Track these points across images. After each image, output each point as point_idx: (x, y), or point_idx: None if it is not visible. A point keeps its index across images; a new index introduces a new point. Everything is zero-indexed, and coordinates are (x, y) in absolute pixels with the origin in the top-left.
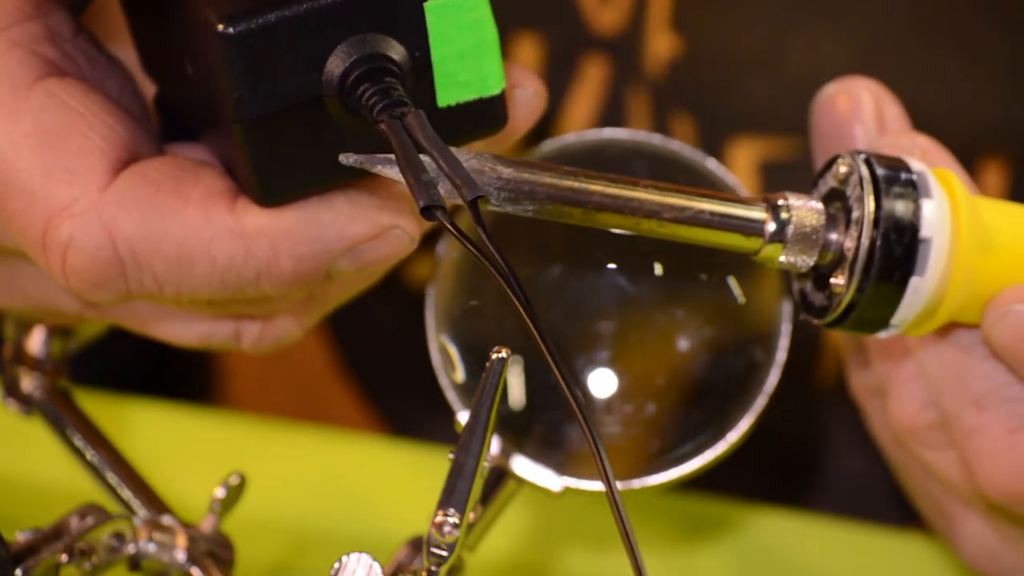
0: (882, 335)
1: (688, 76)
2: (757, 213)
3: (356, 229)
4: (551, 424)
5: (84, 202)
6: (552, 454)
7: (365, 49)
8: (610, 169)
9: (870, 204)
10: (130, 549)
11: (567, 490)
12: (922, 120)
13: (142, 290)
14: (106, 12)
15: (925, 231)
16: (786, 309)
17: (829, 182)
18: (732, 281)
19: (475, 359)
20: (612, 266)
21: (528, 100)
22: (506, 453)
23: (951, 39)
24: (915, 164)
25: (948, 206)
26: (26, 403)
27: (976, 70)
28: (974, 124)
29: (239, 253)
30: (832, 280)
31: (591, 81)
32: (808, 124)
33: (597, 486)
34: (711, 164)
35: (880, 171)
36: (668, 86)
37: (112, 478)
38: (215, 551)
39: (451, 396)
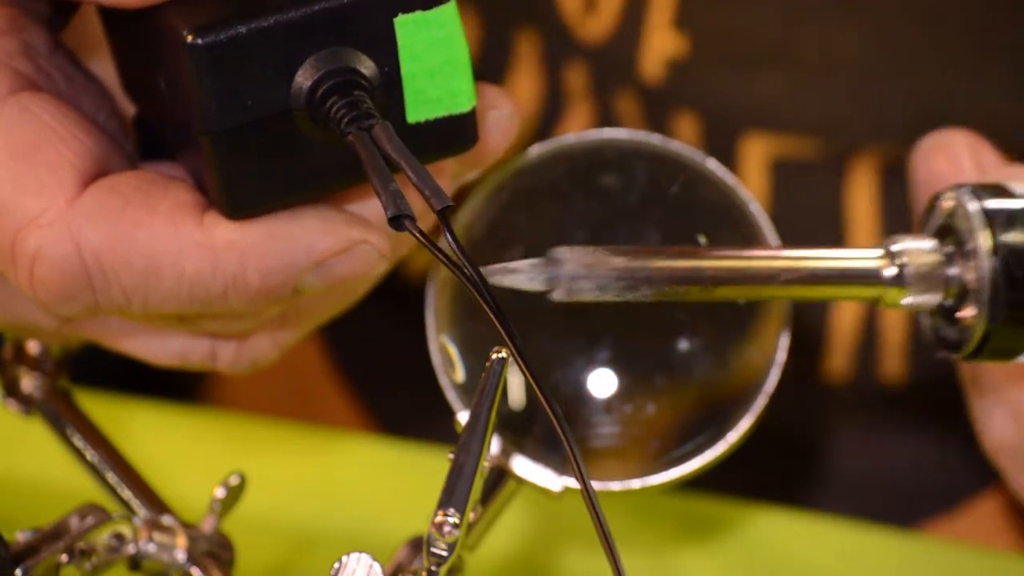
0: (1022, 359)
1: (696, 73)
2: (873, 262)
3: (325, 243)
4: (551, 424)
5: (52, 214)
6: (552, 454)
7: (334, 62)
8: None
9: (985, 234)
10: (130, 549)
11: (567, 490)
12: (938, 112)
13: (110, 303)
14: (87, 30)
15: None
16: (786, 309)
17: (937, 219)
18: None
19: (475, 359)
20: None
21: (502, 121)
22: (506, 453)
23: (966, 30)
24: (1017, 187)
25: None
26: (26, 403)
27: (992, 62)
28: (990, 116)
29: (207, 266)
30: (961, 315)
31: (583, 87)
32: (906, 174)
33: (598, 485)
34: (711, 164)
35: (987, 201)
36: (674, 84)
37: (112, 478)
38: (215, 551)
39: (451, 396)
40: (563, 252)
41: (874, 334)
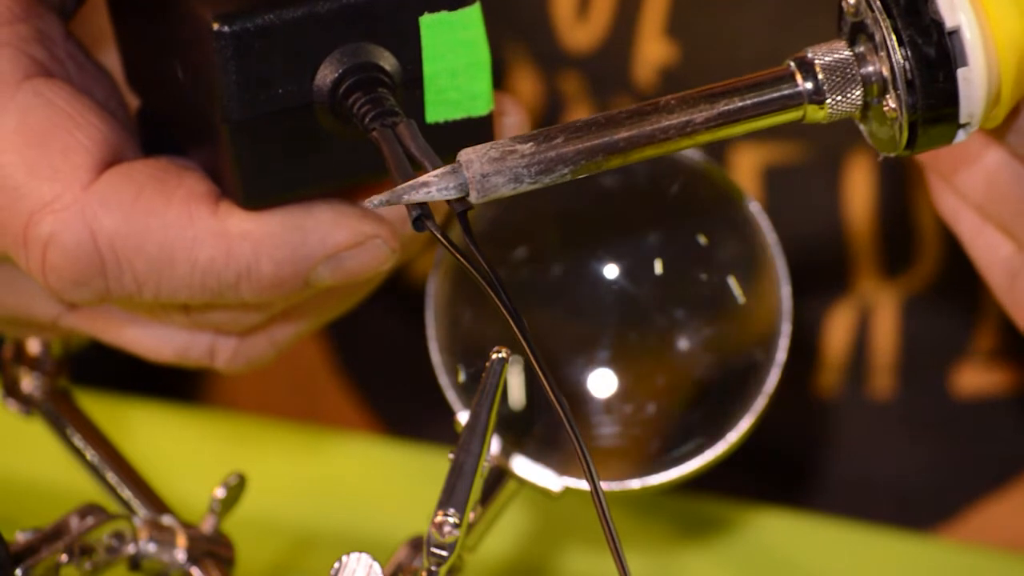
0: (962, 136)
1: (686, 81)
2: (787, 83)
3: (338, 236)
4: (551, 424)
5: (67, 199)
6: (552, 454)
7: (358, 58)
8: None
9: (885, 21)
10: (130, 549)
11: (567, 490)
12: None
13: (121, 290)
14: (92, 21)
15: (949, 22)
16: (786, 309)
17: (848, 20)
18: (732, 281)
19: (475, 359)
20: (612, 266)
21: (511, 128)
22: (506, 453)
23: None
24: None
25: None
26: (26, 403)
27: None
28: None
29: (220, 255)
30: (885, 109)
31: (579, 92)
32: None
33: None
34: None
35: None
36: (666, 92)
37: (112, 478)
38: (215, 551)
39: (451, 396)
40: (467, 153)
41: (864, 353)
